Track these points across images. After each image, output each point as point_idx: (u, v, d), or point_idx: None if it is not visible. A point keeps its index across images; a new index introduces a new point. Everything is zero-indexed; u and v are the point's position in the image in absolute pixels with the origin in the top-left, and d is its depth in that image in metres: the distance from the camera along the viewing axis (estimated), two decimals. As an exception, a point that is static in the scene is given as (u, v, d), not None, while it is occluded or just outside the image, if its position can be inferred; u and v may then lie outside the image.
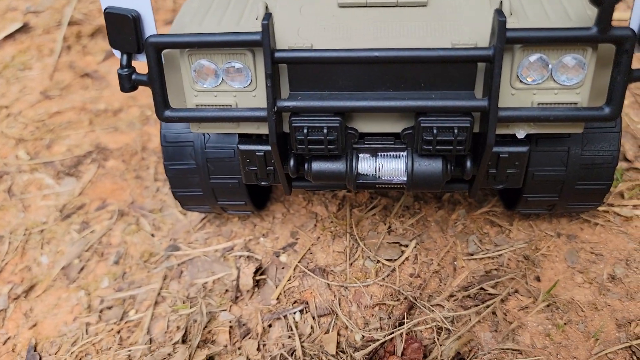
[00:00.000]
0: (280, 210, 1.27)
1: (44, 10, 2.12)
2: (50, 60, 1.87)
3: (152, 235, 1.26)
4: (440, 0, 0.86)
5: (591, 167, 0.99)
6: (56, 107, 1.67)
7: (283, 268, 1.15)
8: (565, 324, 1.00)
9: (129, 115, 1.61)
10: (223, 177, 1.06)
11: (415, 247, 1.15)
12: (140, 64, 0.87)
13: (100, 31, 1.98)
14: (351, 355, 0.98)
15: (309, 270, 1.13)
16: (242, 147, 0.93)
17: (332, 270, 1.13)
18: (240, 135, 0.95)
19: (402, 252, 1.15)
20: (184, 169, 1.06)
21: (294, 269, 1.14)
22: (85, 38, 1.96)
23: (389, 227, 1.20)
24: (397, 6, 0.86)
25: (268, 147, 0.92)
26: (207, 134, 1.04)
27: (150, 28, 0.85)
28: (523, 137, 0.88)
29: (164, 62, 0.86)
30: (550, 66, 0.80)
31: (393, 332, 1.00)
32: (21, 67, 1.86)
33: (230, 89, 0.86)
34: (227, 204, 1.13)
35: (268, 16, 0.79)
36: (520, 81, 0.81)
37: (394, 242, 1.17)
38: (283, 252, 1.18)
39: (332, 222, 1.23)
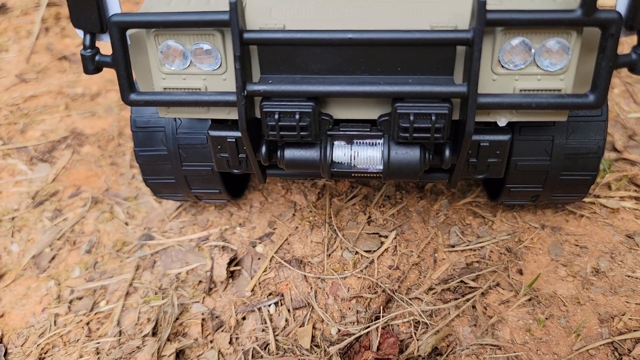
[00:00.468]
0: (258, 199, 1.23)
1: (23, -9, 2.06)
2: (28, 43, 1.81)
3: (126, 223, 1.22)
4: None
5: (576, 157, 0.96)
6: (32, 90, 1.62)
7: (259, 259, 1.11)
8: (546, 318, 0.97)
9: (107, 100, 1.56)
10: (196, 164, 1.02)
11: (395, 238, 1.12)
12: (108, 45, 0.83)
13: (80, 13, 1.92)
14: (325, 350, 0.94)
15: (285, 261, 1.10)
16: (212, 133, 0.90)
17: (309, 262, 1.09)
18: (213, 120, 0.92)
19: (382, 243, 1.11)
20: (155, 155, 1.02)
21: (270, 260, 1.11)
22: (64, 19, 1.91)
23: (369, 217, 1.16)
24: (375, -14, 0.82)
25: (239, 133, 0.88)
26: (179, 119, 1.00)
27: (114, 6, 0.81)
28: (504, 125, 0.84)
29: (129, 43, 0.82)
30: (533, 50, 0.76)
31: (369, 326, 0.97)
32: (-3, 50, 1.81)
33: (199, 72, 0.82)
34: (201, 192, 1.09)
35: (237, -6, 0.74)
36: (502, 66, 0.78)
37: (373, 233, 1.13)
38: (259, 242, 1.14)
39: (311, 211, 1.19)
